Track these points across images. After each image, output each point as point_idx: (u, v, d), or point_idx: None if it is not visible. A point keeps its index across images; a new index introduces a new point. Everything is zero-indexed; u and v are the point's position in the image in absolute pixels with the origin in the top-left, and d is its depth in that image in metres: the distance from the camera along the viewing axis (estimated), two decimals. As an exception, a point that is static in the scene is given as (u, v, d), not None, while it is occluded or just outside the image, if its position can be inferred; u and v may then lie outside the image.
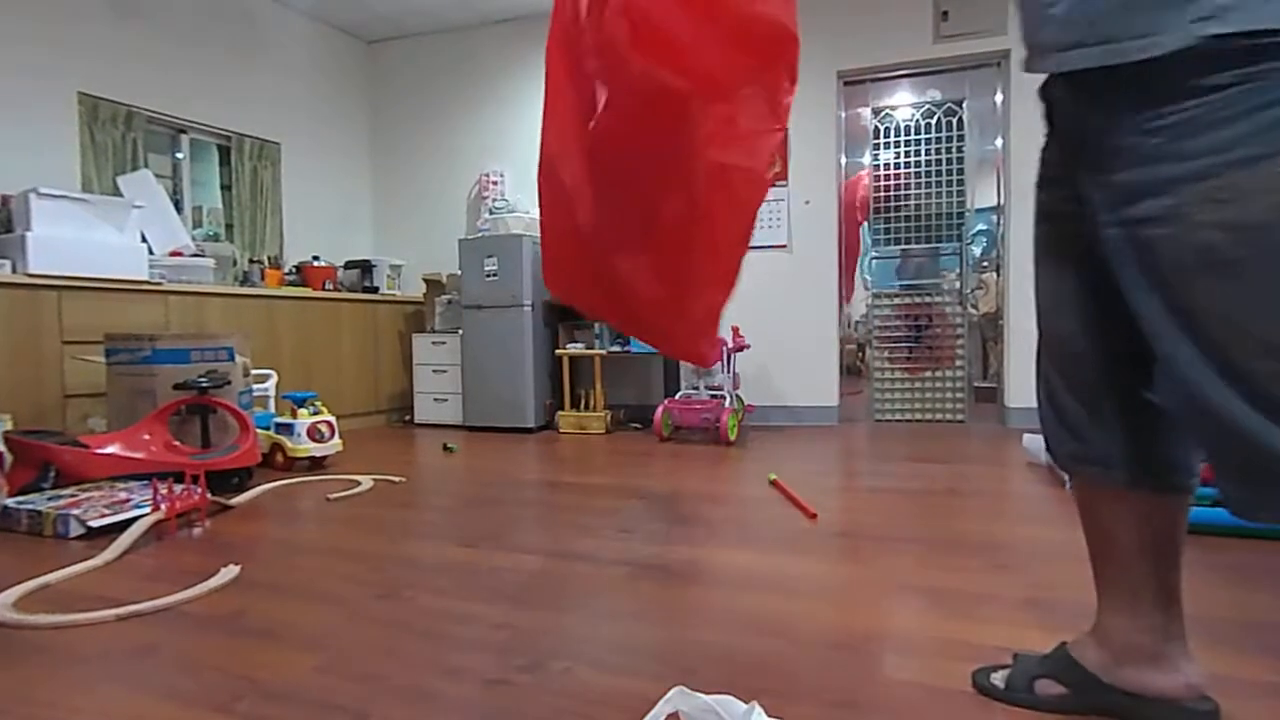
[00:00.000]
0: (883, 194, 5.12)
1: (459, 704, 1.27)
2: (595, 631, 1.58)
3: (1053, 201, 1.15)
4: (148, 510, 2.46)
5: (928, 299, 5.12)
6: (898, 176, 5.09)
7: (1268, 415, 0.84)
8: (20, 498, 2.61)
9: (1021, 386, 4.72)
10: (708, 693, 0.99)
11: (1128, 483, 1.12)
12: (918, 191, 5.08)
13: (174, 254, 4.26)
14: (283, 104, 5.49)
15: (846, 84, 5.06)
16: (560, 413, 5.03)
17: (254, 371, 3.78)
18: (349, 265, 5.56)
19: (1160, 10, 0.85)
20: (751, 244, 5.40)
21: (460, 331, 5.19)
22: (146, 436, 2.97)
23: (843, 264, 5.08)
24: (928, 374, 5.14)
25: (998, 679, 1.27)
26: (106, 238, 3.74)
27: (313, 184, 5.70)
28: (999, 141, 4.86)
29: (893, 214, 5.12)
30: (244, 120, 5.19)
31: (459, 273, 5.19)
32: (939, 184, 5.02)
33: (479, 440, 4.66)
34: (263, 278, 4.88)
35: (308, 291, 4.93)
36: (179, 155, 4.94)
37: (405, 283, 5.85)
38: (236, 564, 2.05)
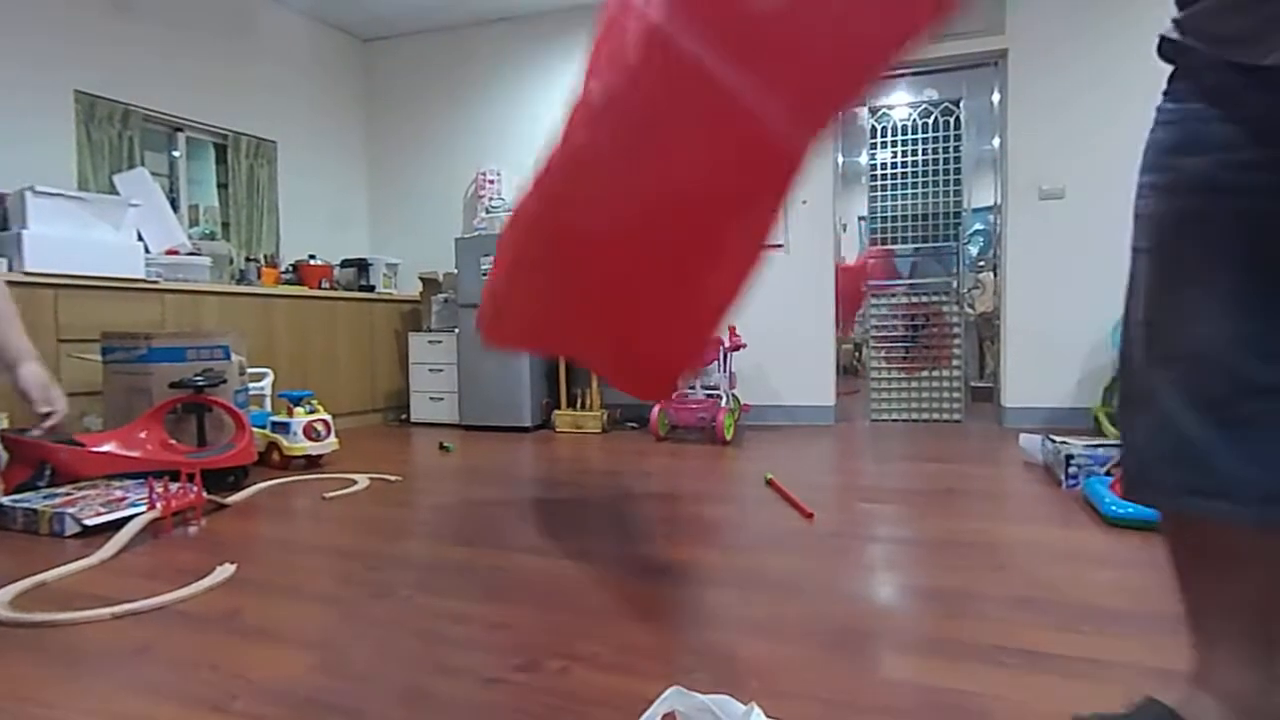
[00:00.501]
0: (880, 193, 5.12)
1: (456, 703, 1.27)
2: (592, 630, 1.58)
3: (1225, 171, 0.94)
4: (143, 509, 2.45)
5: (924, 298, 5.12)
6: (894, 176, 5.10)
7: None
8: (16, 496, 2.61)
9: (1017, 386, 4.73)
10: (705, 692, 0.99)
11: (1257, 518, 0.93)
12: (914, 191, 5.08)
13: (170, 252, 4.25)
14: (279, 103, 5.48)
15: (844, 83, 5.06)
16: (556, 412, 5.03)
17: (250, 370, 3.78)
18: (345, 264, 5.55)
19: None
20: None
21: (456, 330, 5.19)
22: (142, 435, 2.96)
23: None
24: (924, 373, 5.15)
25: None
26: (103, 236, 3.73)
27: (309, 182, 5.69)
28: (996, 141, 4.86)
29: (890, 213, 5.13)
30: (240, 119, 5.18)
31: (455, 271, 5.19)
32: (936, 183, 5.03)
33: (475, 439, 4.66)
34: (259, 276, 4.87)
35: (304, 290, 4.93)
36: (175, 153, 4.93)
37: (401, 281, 5.84)
38: (232, 563, 2.05)
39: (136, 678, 1.39)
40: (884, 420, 5.17)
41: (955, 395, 5.07)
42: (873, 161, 5.11)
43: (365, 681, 1.36)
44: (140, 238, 4.05)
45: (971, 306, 5.09)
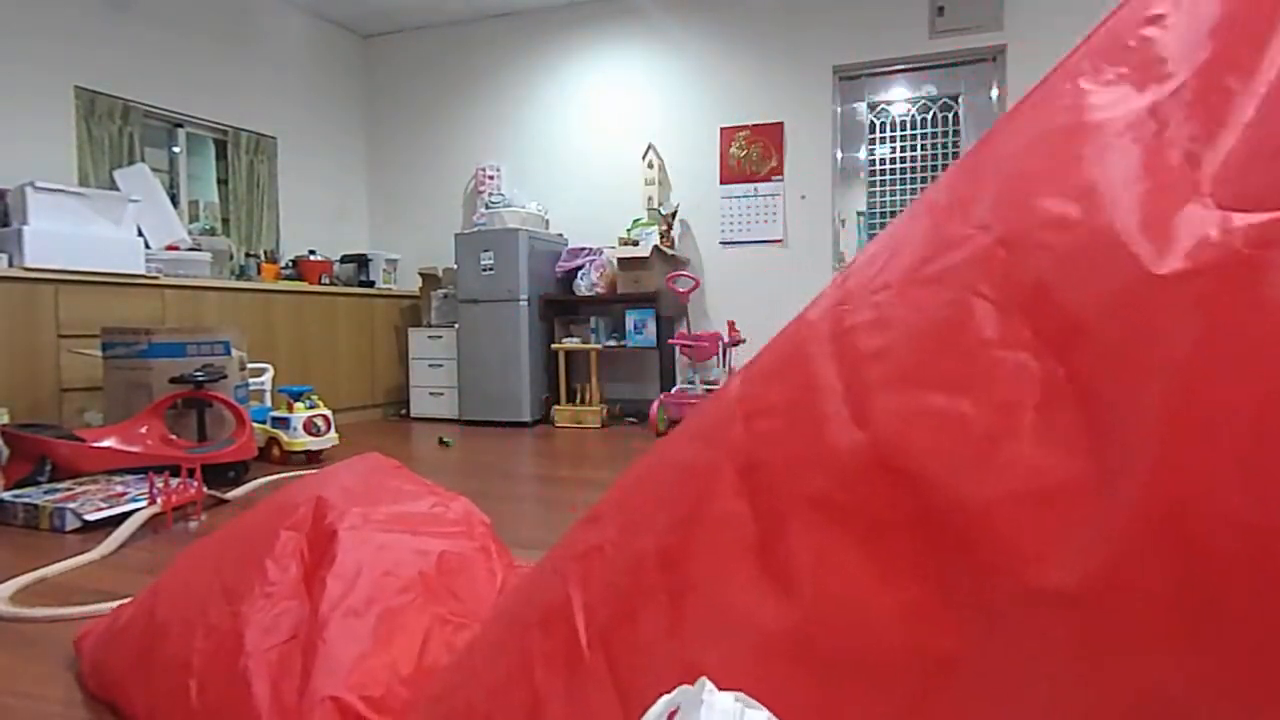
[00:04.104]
0: (878, 188, 5.13)
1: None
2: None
3: None
4: (144, 504, 2.47)
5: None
6: (893, 171, 5.10)
7: None
8: (17, 491, 2.62)
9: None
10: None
11: None
12: (913, 186, 5.09)
13: (170, 248, 4.27)
14: (279, 98, 5.48)
15: (842, 79, 5.06)
16: (556, 407, 5.05)
17: (250, 365, 3.79)
18: (345, 259, 5.56)
19: None
20: (747, 239, 5.37)
21: (456, 325, 5.20)
22: (143, 430, 2.98)
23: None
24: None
25: None
26: (103, 231, 3.74)
27: (309, 178, 5.70)
28: (994, 137, 4.86)
29: (889, 208, 5.14)
30: (241, 114, 5.19)
31: (455, 267, 5.20)
32: (935, 178, 5.03)
33: (475, 434, 4.68)
34: (259, 272, 4.88)
35: (304, 285, 4.94)
36: (175, 149, 4.93)
37: (401, 277, 5.85)
38: (232, 557, 2.06)
39: (136, 671, 1.40)
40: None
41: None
42: (871, 157, 5.11)
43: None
44: (140, 233, 4.06)
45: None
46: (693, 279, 4.92)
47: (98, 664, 1.30)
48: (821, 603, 0.60)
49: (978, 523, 0.54)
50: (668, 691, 0.62)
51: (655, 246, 4.82)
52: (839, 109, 5.09)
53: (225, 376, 3.25)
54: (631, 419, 5.15)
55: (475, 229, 5.28)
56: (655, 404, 4.53)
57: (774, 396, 0.74)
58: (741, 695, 0.58)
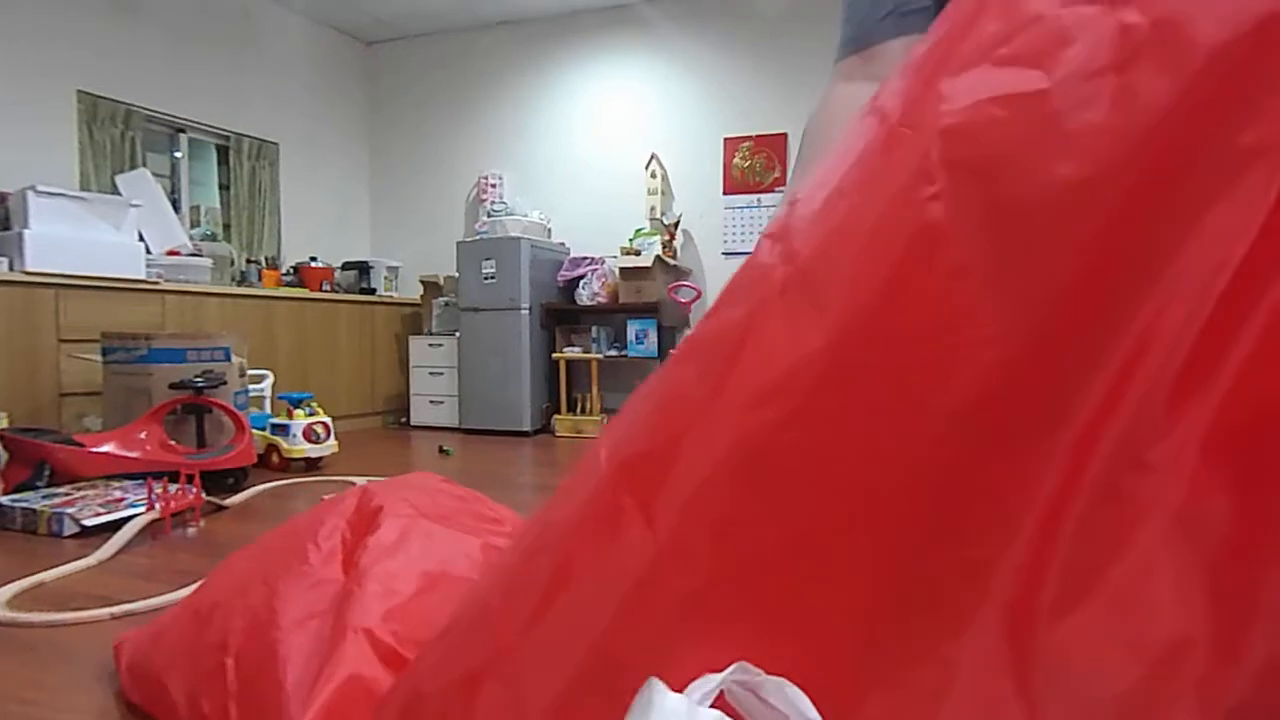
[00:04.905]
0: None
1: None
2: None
3: None
4: (142, 509, 2.45)
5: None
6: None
7: None
8: (15, 495, 2.60)
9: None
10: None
11: None
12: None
13: (171, 253, 4.25)
14: (281, 104, 5.49)
15: (845, 90, 5.07)
16: (557, 416, 5.03)
17: (250, 372, 3.78)
18: (346, 266, 5.55)
19: None
20: (750, 249, 5.35)
21: (457, 334, 5.19)
22: (142, 435, 2.96)
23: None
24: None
25: None
26: (104, 236, 3.73)
27: (311, 185, 5.69)
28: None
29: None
30: (243, 120, 5.18)
31: (456, 275, 5.19)
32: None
33: (475, 443, 4.65)
34: (260, 278, 4.87)
35: (305, 292, 4.93)
36: (177, 154, 4.93)
37: (402, 284, 5.84)
38: (232, 564, 2.04)
39: (135, 678, 1.38)
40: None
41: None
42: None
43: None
44: (141, 238, 4.04)
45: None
46: (695, 289, 4.91)
47: (137, 666, 1.27)
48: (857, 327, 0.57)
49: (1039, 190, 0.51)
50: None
51: (657, 256, 4.81)
52: (842, 120, 5.09)
53: (225, 382, 3.23)
54: (632, 429, 5.12)
55: (477, 237, 5.27)
56: (656, 414, 4.50)
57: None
58: (695, 693, 0.53)
